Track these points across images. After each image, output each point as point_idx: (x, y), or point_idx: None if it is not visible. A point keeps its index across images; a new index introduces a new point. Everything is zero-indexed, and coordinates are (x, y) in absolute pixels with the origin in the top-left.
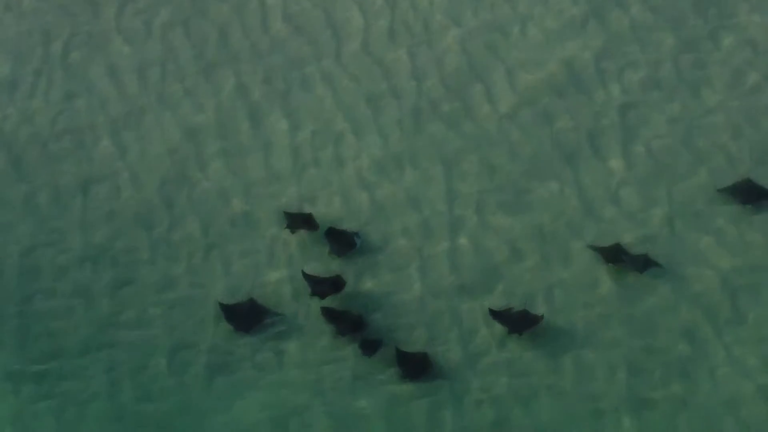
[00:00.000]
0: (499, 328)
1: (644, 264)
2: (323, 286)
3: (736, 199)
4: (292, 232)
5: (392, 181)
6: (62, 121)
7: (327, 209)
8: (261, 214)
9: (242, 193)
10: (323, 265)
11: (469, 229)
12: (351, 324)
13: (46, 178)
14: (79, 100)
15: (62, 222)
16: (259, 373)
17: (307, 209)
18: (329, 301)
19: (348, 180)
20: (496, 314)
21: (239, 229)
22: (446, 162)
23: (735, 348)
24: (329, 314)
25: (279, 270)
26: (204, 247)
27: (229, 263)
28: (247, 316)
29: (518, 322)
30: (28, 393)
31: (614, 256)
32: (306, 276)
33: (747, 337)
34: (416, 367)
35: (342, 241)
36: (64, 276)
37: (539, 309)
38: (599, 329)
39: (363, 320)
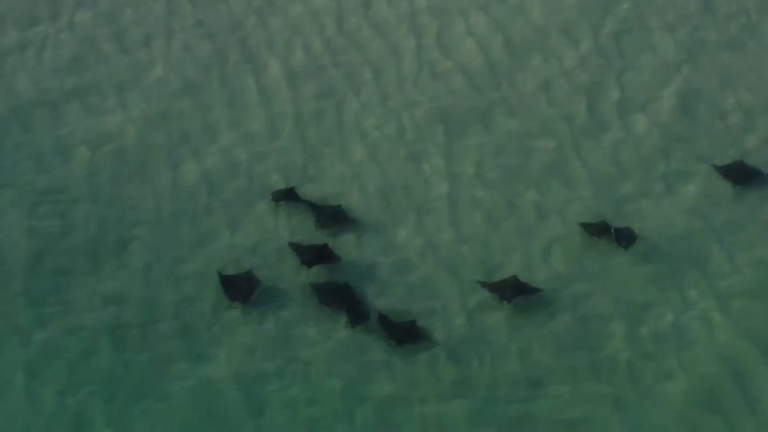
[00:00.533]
0: (490, 296)
1: (629, 239)
2: (310, 255)
3: (729, 180)
4: (276, 202)
5: (390, 156)
6: (69, 81)
7: (323, 182)
8: (259, 181)
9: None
10: (313, 237)
11: (457, 199)
12: (336, 294)
13: (52, 137)
14: (86, 60)
15: (69, 180)
16: (247, 339)
17: (306, 174)
18: (317, 271)
19: (346, 150)
20: (486, 285)
21: (241, 193)
22: (447, 123)
23: (727, 300)
24: (316, 287)
25: (272, 240)
26: (205, 208)
27: (231, 225)
28: (243, 286)
29: (509, 290)
30: (38, 344)
31: (600, 231)
32: (292, 246)
33: (739, 290)
34: (404, 334)
35: (325, 215)
36: (70, 233)
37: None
38: (593, 293)
39: (350, 290)
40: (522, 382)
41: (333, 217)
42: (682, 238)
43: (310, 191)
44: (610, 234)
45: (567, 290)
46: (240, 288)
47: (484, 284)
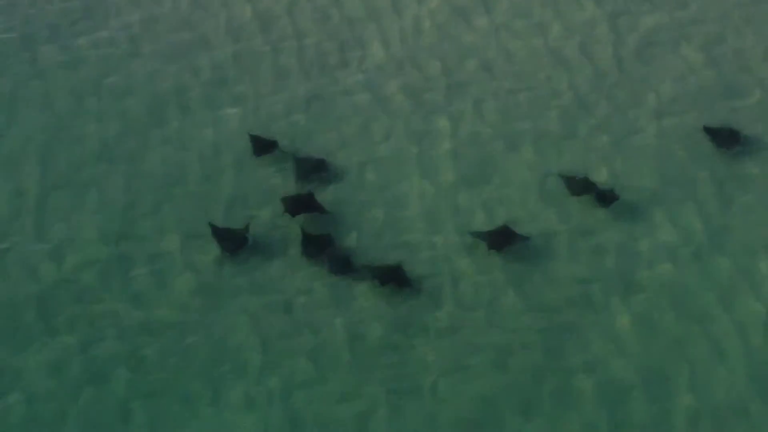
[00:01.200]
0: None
1: (610, 199)
2: (294, 205)
3: (714, 142)
4: (257, 156)
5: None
6: (76, 19)
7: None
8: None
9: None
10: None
11: (443, 150)
12: (320, 244)
13: (62, 77)
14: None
15: (78, 118)
16: (237, 290)
17: (290, 128)
18: (301, 220)
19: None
20: (476, 234)
21: (223, 146)
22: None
23: (719, 234)
24: (301, 237)
25: (255, 191)
26: (190, 161)
27: (214, 177)
28: (234, 238)
29: (498, 239)
30: (48, 276)
31: (582, 189)
32: (281, 198)
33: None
34: (389, 276)
35: (306, 168)
36: (79, 169)
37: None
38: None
39: (332, 240)
40: (509, 325)
41: (315, 169)
42: (657, 193)
43: (293, 144)
44: (592, 192)
45: (553, 239)
46: (232, 240)
47: (474, 233)
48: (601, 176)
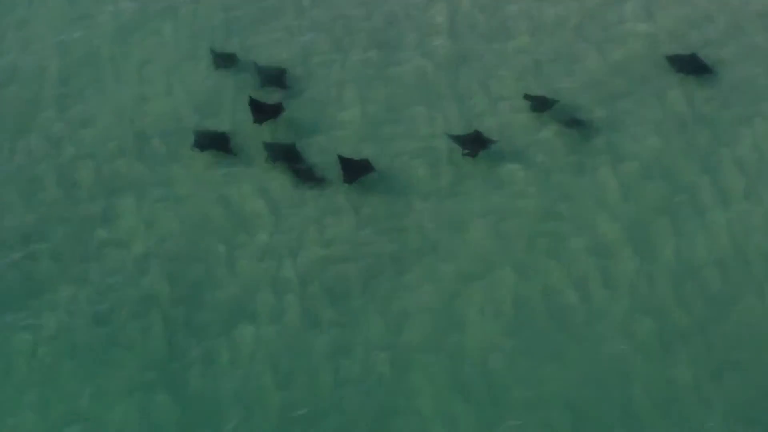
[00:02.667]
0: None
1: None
2: (263, 113)
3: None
4: (218, 68)
5: None
6: None
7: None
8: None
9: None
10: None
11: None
12: (285, 153)
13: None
14: None
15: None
16: (200, 187)
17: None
18: (270, 127)
19: None
20: (453, 137)
21: (185, 58)
22: None
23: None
24: (266, 145)
25: (215, 102)
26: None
27: (176, 88)
28: (213, 141)
29: (472, 142)
30: (61, 199)
31: (545, 105)
32: (250, 101)
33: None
34: (358, 171)
35: (269, 77)
36: (92, 86)
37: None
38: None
39: (296, 150)
40: (506, 190)
41: (276, 80)
42: (644, 75)
43: (253, 54)
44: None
45: (521, 144)
46: (211, 140)
47: (451, 136)
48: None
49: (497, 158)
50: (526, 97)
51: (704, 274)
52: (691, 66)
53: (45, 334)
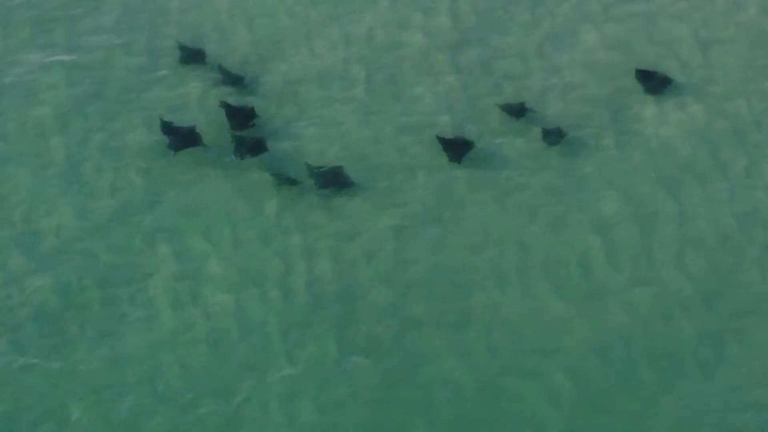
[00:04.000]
0: None
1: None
2: (237, 119)
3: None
4: (185, 65)
5: None
6: None
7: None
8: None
9: None
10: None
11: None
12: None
13: None
14: None
15: None
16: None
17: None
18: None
19: None
20: (441, 140)
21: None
22: None
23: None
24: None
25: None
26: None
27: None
28: (185, 137)
29: (458, 148)
30: (76, 129)
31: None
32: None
33: None
34: (331, 180)
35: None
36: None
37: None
38: None
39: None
40: (482, 193)
41: (239, 81)
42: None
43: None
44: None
45: (498, 141)
46: (182, 138)
47: (440, 139)
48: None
49: (501, 135)
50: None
51: (706, 244)
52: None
53: None
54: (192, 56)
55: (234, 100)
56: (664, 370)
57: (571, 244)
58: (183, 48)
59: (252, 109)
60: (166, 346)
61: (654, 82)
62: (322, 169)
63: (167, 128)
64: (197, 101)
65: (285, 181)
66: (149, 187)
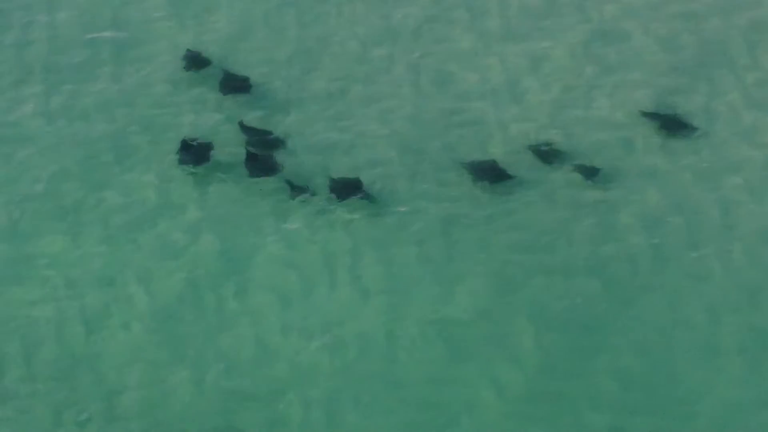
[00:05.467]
0: None
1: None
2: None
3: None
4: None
5: None
6: None
7: None
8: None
9: None
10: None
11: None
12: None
13: None
14: None
15: None
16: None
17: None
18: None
19: None
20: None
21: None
22: None
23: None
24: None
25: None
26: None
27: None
28: (199, 153)
29: (487, 171)
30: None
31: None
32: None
33: None
34: (349, 190)
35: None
36: None
37: None
38: None
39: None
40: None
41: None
42: None
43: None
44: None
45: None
46: (196, 153)
47: (464, 164)
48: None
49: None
50: None
51: (751, 239)
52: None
53: None
54: (196, 62)
55: (248, 112)
56: (708, 367)
57: (617, 239)
58: (189, 56)
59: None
60: (214, 346)
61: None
62: (341, 181)
63: (183, 144)
64: (212, 113)
65: (303, 193)
66: (164, 200)
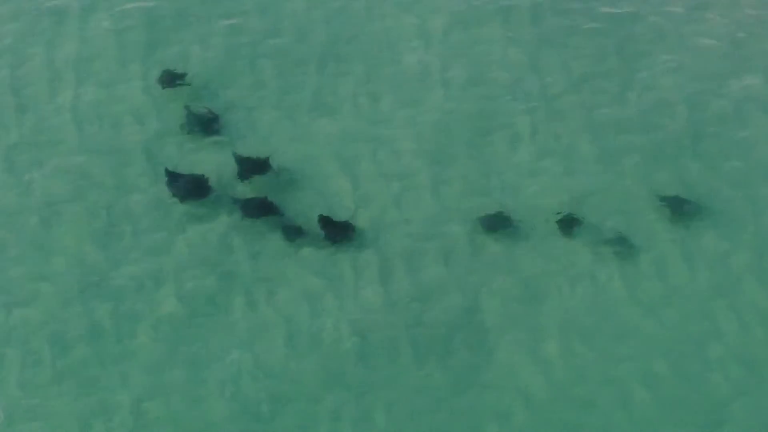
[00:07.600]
0: None
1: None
2: (247, 167)
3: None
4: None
5: None
6: None
7: None
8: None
9: None
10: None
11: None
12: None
13: None
14: None
15: None
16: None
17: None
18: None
19: None
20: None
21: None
22: None
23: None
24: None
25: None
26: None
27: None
28: (190, 187)
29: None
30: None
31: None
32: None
33: None
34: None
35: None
36: None
37: None
38: None
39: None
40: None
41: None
42: None
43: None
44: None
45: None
46: (187, 188)
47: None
48: None
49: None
50: None
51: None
52: None
53: None
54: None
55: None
56: (739, 378)
57: (645, 249)
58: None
59: (266, 159)
60: (246, 347)
61: None
62: (336, 221)
63: (172, 176)
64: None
65: (297, 232)
66: (142, 237)
